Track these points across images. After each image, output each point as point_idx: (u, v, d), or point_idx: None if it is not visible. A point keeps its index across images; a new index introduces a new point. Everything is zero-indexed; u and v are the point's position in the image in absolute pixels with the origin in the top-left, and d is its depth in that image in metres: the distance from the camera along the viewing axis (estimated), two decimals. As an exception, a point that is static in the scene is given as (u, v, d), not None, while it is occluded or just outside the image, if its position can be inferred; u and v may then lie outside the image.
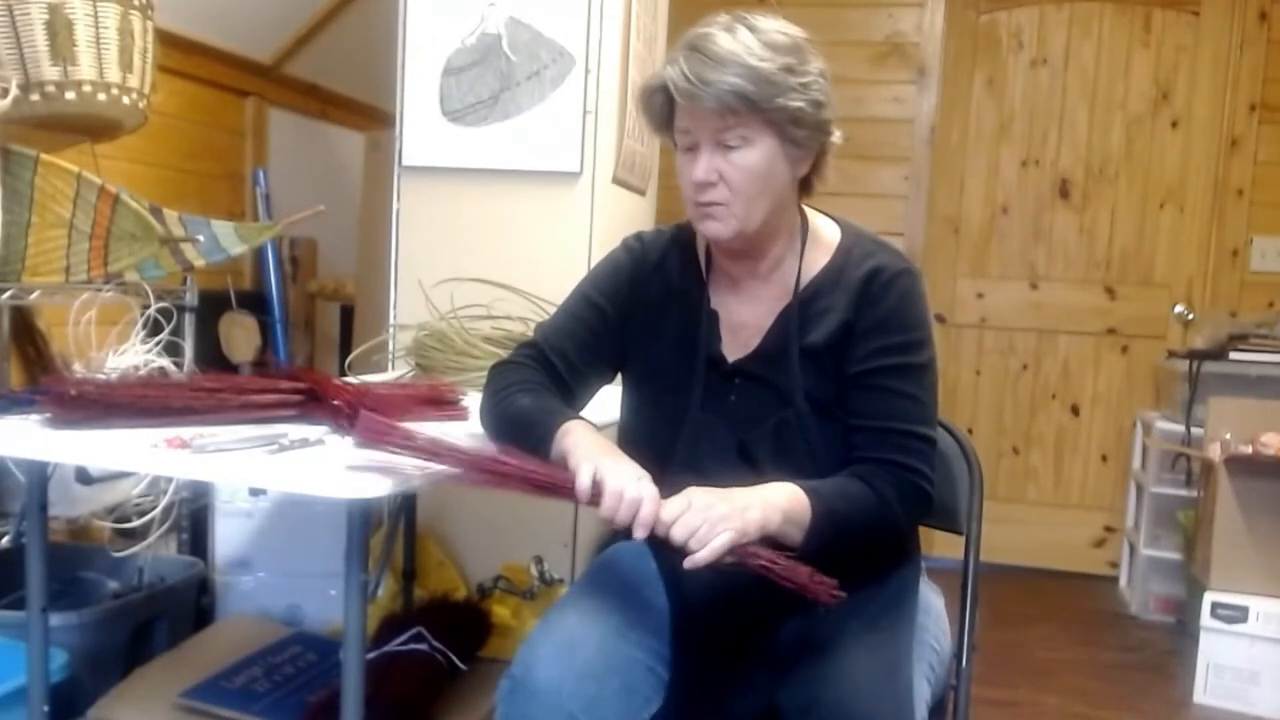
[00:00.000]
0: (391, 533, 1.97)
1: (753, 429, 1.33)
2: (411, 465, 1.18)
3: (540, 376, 1.37)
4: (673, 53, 1.26)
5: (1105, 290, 3.79)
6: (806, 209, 1.39)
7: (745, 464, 1.32)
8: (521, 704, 1.18)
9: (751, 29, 1.24)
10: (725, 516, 1.14)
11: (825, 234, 1.38)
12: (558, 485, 1.17)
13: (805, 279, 1.35)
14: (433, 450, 1.17)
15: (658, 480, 1.33)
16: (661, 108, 1.30)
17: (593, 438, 1.22)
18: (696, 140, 1.26)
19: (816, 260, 1.36)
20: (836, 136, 1.32)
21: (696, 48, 1.22)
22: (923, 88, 3.76)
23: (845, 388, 1.31)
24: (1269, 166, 3.61)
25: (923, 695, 1.25)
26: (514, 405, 1.31)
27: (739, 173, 1.25)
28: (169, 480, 2.02)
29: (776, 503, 1.19)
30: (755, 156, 1.25)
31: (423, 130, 2.29)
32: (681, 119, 1.27)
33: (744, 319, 1.37)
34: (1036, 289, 3.84)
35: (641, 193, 2.57)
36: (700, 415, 1.35)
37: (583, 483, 1.15)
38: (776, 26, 1.26)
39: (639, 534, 1.14)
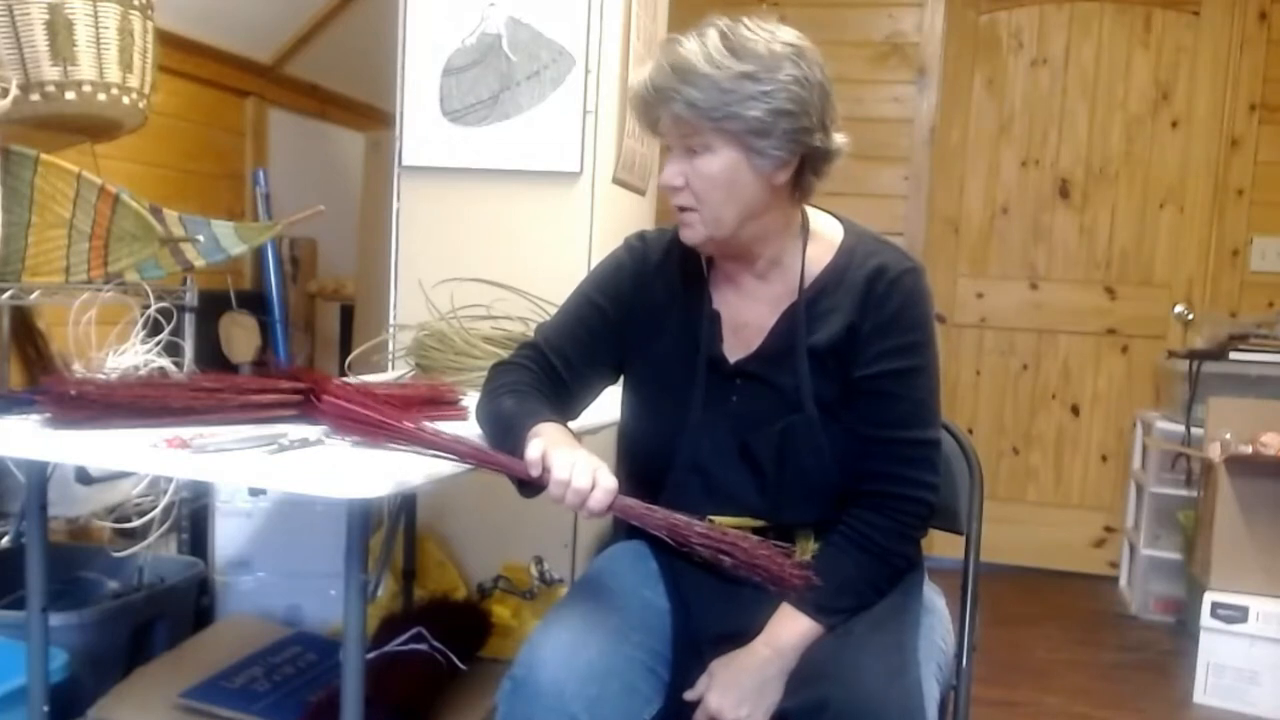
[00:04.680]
0: (391, 533, 1.97)
1: (754, 430, 1.33)
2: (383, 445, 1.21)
3: (534, 377, 1.36)
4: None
5: (1105, 290, 3.79)
6: (808, 208, 1.38)
7: (748, 466, 1.33)
8: (523, 704, 1.18)
9: (724, 34, 1.22)
10: (750, 715, 1.24)
11: (827, 233, 1.38)
12: (510, 466, 1.19)
13: (809, 278, 1.35)
14: (392, 428, 1.21)
15: (659, 483, 1.33)
16: (646, 112, 1.31)
17: (560, 435, 1.22)
18: (669, 145, 1.28)
19: (819, 259, 1.35)
20: (838, 142, 1.29)
21: (664, 52, 1.24)
22: (923, 88, 3.76)
23: (850, 391, 1.32)
24: (1269, 166, 3.61)
25: (932, 695, 1.24)
26: (498, 407, 1.31)
27: (701, 180, 1.26)
28: (169, 480, 2.02)
29: (791, 645, 1.27)
30: (717, 165, 1.25)
31: (423, 130, 2.29)
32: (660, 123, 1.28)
33: (746, 319, 1.37)
34: (1036, 289, 3.84)
35: (641, 193, 2.57)
36: (700, 417, 1.34)
37: (531, 455, 1.15)
38: (759, 32, 1.23)
39: (583, 516, 1.17)
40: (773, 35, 1.24)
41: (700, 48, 1.22)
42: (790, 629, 1.27)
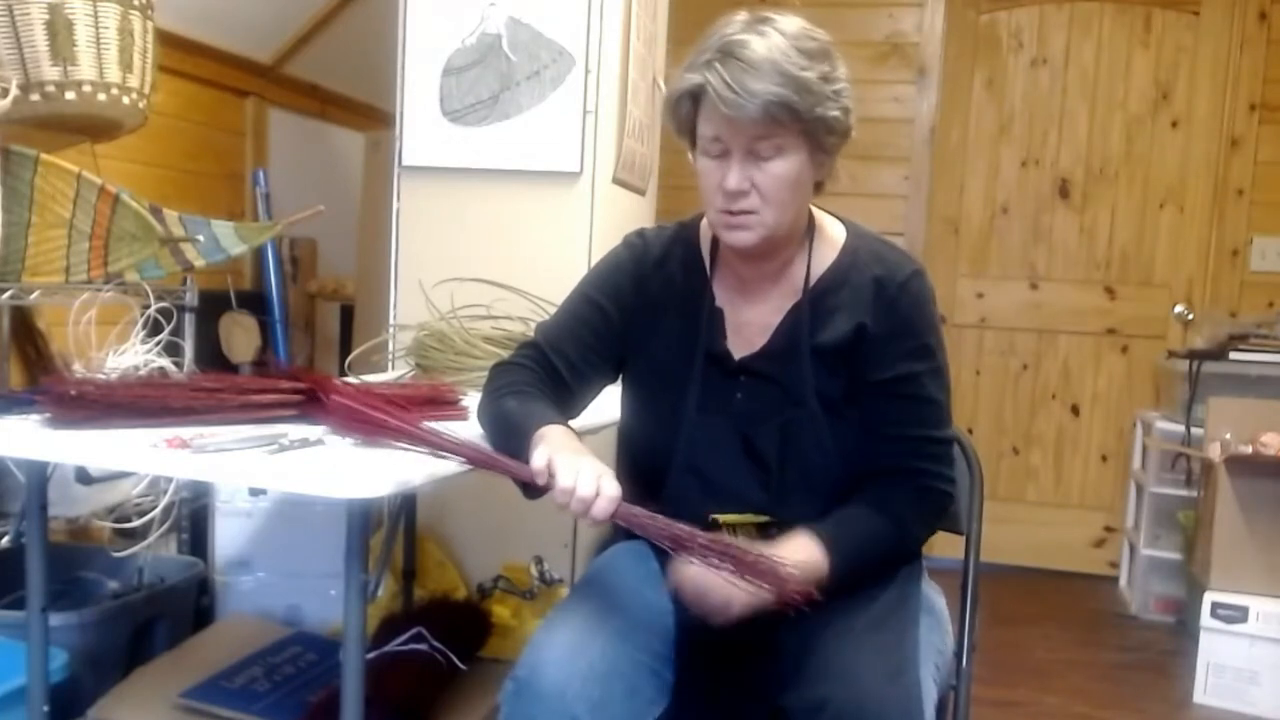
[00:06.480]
0: (391, 533, 1.96)
1: (758, 425, 1.33)
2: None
3: (535, 378, 1.36)
4: (702, 56, 1.22)
5: (1105, 290, 3.79)
6: (812, 208, 1.38)
7: (752, 462, 1.33)
8: (526, 706, 1.17)
9: (781, 33, 1.21)
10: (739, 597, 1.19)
11: (831, 232, 1.38)
12: (516, 471, 1.19)
13: (814, 277, 1.35)
14: (401, 430, 1.21)
15: (659, 482, 1.33)
16: (688, 114, 1.28)
17: (564, 439, 1.22)
18: (727, 148, 1.24)
19: (824, 259, 1.36)
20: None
21: (731, 53, 1.19)
22: (923, 88, 3.76)
23: (864, 394, 1.32)
24: (1269, 166, 3.61)
25: (931, 695, 1.24)
26: (501, 408, 1.31)
27: (772, 181, 1.24)
28: (169, 480, 2.02)
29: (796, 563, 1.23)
30: (788, 165, 1.24)
31: (423, 130, 2.29)
32: (711, 126, 1.24)
33: (749, 317, 1.37)
34: (1036, 289, 3.84)
35: (641, 192, 2.57)
36: (702, 414, 1.34)
37: (537, 464, 1.15)
38: (802, 29, 1.23)
39: (587, 524, 1.17)
40: (815, 33, 1.24)
41: (770, 47, 1.19)
42: (796, 544, 1.25)
